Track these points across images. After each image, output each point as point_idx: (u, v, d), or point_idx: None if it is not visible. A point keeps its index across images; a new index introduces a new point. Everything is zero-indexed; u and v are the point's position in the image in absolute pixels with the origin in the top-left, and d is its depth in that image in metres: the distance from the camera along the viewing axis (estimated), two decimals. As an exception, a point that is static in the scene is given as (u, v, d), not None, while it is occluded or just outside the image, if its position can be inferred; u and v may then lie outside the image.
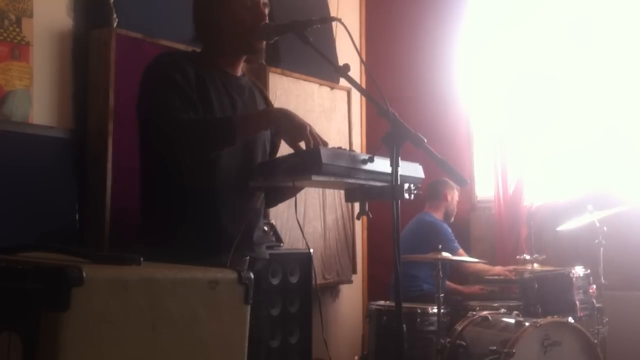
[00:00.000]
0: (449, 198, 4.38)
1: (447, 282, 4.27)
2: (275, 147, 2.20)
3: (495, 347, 3.14)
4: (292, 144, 1.84)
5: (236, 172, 1.93)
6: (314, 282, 3.69)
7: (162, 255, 1.43)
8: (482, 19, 4.73)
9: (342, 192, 2.05)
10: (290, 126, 1.82)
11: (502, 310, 3.61)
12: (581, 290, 3.52)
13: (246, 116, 1.96)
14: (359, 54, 2.10)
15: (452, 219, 4.43)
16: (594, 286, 3.56)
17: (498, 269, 4.21)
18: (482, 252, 4.48)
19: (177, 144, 1.83)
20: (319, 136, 1.82)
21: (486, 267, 4.23)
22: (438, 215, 4.37)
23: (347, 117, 4.54)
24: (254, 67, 3.68)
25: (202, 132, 1.82)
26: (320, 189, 4.15)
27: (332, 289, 4.53)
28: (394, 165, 1.68)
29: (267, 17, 2.00)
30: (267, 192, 2.06)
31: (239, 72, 2.09)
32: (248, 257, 1.97)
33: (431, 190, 4.35)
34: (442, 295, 3.51)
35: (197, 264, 1.37)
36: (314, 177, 1.69)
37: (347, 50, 2.03)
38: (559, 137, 4.44)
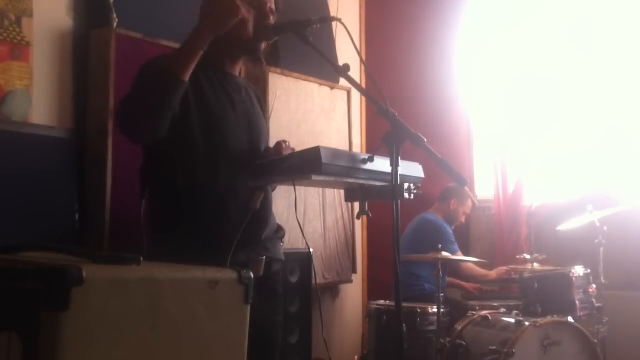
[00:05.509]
0: (453, 206, 4.39)
1: (448, 279, 4.27)
2: None
3: (495, 347, 3.15)
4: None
5: (239, 170, 1.93)
6: (314, 282, 3.68)
7: (167, 254, 1.43)
8: (481, 19, 4.73)
9: (342, 192, 2.05)
10: (220, 16, 1.81)
11: (502, 310, 3.62)
12: (581, 290, 3.52)
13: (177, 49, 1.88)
14: (359, 54, 2.10)
15: (454, 227, 4.42)
16: (594, 286, 3.56)
17: (495, 274, 4.21)
18: (482, 252, 4.48)
19: (129, 116, 1.77)
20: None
21: (483, 272, 4.24)
22: (440, 217, 4.38)
23: (347, 117, 4.54)
24: (253, 66, 3.68)
25: (142, 90, 1.78)
26: (320, 189, 4.15)
27: (332, 289, 4.53)
28: (394, 165, 1.68)
29: (269, 18, 2.00)
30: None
31: (237, 73, 2.09)
32: (264, 257, 1.95)
33: (442, 193, 4.37)
34: (442, 295, 3.52)
35: (200, 263, 1.37)
36: (314, 177, 1.69)
37: (347, 50, 2.02)
38: (559, 138, 4.44)
